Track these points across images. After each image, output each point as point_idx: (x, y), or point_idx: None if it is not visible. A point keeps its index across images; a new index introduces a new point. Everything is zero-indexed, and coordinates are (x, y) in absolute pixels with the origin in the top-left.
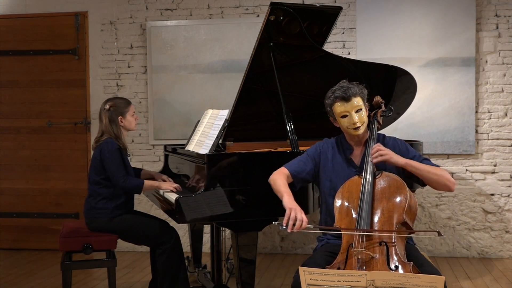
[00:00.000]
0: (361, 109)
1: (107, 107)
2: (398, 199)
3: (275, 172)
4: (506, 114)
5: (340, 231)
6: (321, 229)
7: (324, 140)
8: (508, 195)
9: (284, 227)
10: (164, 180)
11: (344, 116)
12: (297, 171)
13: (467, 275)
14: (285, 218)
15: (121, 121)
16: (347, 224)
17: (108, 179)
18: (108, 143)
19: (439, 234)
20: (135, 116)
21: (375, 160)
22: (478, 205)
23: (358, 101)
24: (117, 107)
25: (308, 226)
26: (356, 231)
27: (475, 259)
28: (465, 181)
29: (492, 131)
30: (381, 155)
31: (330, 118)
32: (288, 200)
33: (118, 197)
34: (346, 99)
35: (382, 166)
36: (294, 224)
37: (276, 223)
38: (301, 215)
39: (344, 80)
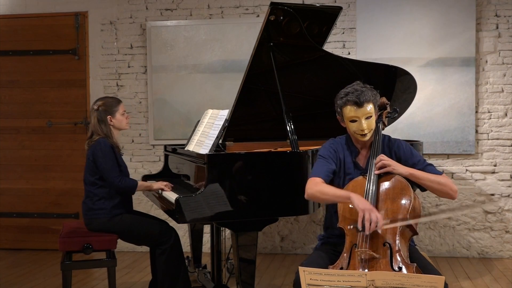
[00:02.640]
0: (371, 116)
1: (95, 107)
2: (402, 200)
3: (310, 185)
4: (506, 114)
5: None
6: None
7: (331, 140)
8: (508, 195)
9: (361, 229)
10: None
11: (353, 121)
12: (327, 175)
13: (467, 275)
14: (360, 220)
15: (111, 120)
16: (351, 224)
17: (103, 179)
18: (100, 143)
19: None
20: (126, 115)
21: (377, 172)
22: (478, 205)
23: (370, 108)
24: (106, 106)
25: (384, 222)
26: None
27: (475, 259)
28: (465, 181)
29: (492, 131)
30: (384, 166)
31: (337, 117)
32: (358, 199)
33: (115, 196)
34: (359, 104)
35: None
36: (370, 224)
37: (351, 226)
38: (375, 215)
39: (358, 82)
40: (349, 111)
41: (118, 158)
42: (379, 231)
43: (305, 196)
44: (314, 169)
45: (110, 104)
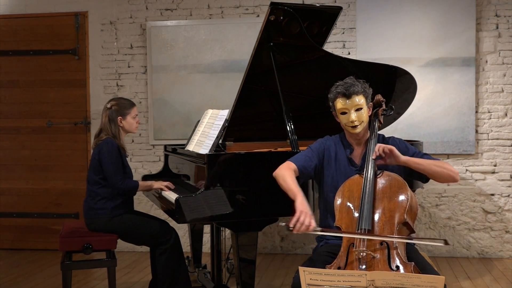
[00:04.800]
0: (361, 108)
1: (108, 105)
2: (399, 198)
3: (281, 167)
4: (506, 114)
5: (342, 235)
6: (324, 232)
7: (326, 137)
8: (508, 195)
9: (290, 228)
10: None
11: (343, 113)
12: (304, 166)
13: (467, 275)
14: (293, 219)
15: (120, 122)
16: (348, 223)
17: (106, 179)
18: (108, 143)
19: (446, 242)
20: (137, 119)
21: (380, 149)
22: (478, 205)
23: (359, 100)
24: (119, 107)
25: (316, 227)
26: (358, 234)
27: (475, 259)
28: (465, 181)
29: (492, 131)
30: (384, 146)
31: (332, 112)
32: (301, 202)
33: (117, 197)
34: (347, 96)
35: (383, 167)
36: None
37: (283, 224)
38: (309, 220)
39: (351, 77)
40: (339, 103)
41: (123, 160)
42: (316, 233)
43: (273, 173)
44: (298, 155)
45: (123, 106)
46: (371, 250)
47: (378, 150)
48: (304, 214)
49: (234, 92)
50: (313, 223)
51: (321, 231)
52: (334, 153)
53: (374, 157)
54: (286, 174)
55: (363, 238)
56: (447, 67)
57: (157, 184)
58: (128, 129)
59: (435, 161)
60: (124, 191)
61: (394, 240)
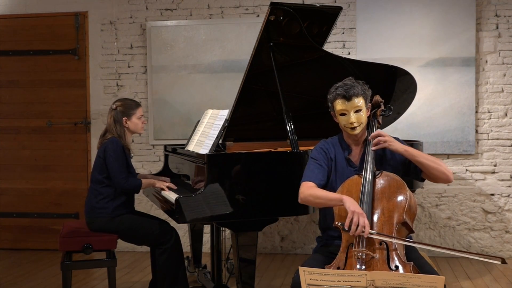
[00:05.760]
0: (360, 110)
1: (113, 106)
2: (398, 199)
3: (303, 190)
4: (506, 114)
5: (400, 242)
6: (383, 235)
7: (322, 142)
8: (508, 195)
9: (346, 229)
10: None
11: (342, 114)
12: (321, 178)
13: (467, 275)
14: (347, 221)
15: (126, 122)
16: (346, 223)
17: (110, 178)
18: (113, 142)
19: (503, 261)
20: (143, 119)
21: (374, 148)
22: (478, 205)
23: (359, 101)
24: (124, 108)
25: (371, 231)
26: (414, 243)
27: (475, 259)
28: (465, 181)
29: (492, 131)
30: (380, 142)
31: (331, 112)
32: (350, 202)
33: (119, 197)
34: (347, 98)
35: (382, 167)
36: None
37: (339, 223)
38: (363, 220)
39: (350, 78)
40: (338, 105)
41: (128, 160)
42: (372, 236)
43: (299, 200)
44: (306, 172)
45: (128, 106)
46: (370, 250)
47: (375, 144)
48: (357, 214)
49: (234, 92)
50: (367, 223)
51: (377, 234)
52: (333, 155)
53: (373, 149)
54: (313, 191)
55: (362, 237)
56: (447, 67)
57: (159, 183)
58: (133, 130)
59: (431, 157)
60: (128, 189)
61: (446, 251)
